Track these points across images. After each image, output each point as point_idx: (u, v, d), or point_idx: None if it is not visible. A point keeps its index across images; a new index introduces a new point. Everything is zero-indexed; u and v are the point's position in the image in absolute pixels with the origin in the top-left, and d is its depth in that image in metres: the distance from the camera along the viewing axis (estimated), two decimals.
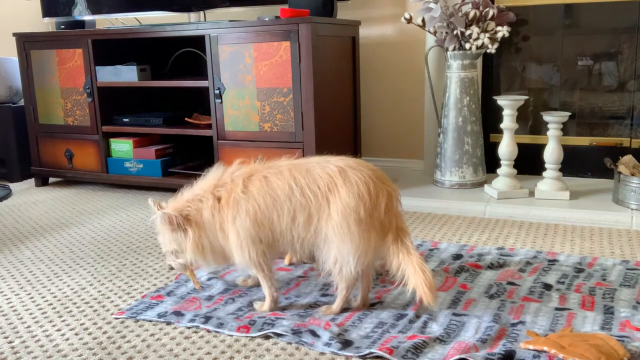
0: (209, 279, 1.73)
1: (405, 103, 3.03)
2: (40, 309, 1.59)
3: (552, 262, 1.78)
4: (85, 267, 1.91)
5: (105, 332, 1.44)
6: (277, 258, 1.66)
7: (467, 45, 2.52)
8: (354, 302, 1.50)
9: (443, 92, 2.68)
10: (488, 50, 2.52)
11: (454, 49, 2.56)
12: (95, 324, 1.49)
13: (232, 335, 1.39)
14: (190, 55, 3.15)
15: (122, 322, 1.49)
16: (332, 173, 1.39)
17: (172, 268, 1.57)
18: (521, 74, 2.82)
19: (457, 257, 1.86)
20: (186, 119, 2.92)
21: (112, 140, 2.96)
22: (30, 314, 1.56)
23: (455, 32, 2.53)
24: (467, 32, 2.50)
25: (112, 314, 1.54)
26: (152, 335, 1.41)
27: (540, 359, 1.21)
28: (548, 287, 1.60)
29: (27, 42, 3.02)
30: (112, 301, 1.62)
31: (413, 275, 1.32)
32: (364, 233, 1.35)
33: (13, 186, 3.19)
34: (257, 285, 1.65)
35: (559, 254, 1.86)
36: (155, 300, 1.60)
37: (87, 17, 3.16)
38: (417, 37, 2.93)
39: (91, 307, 1.59)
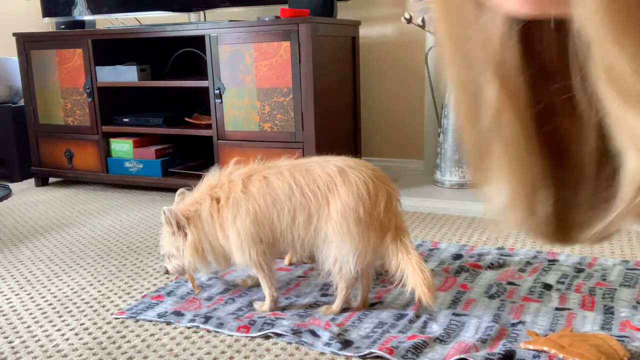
0: (209, 279, 1.73)
1: (405, 103, 3.03)
2: (40, 309, 1.59)
3: (552, 262, 1.78)
4: (85, 267, 1.91)
5: (105, 332, 1.44)
6: (277, 258, 1.66)
7: None
8: (354, 302, 1.50)
9: (443, 92, 2.68)
10: None
11: None
12: (95, 324, 1.49)
13: (232, 335, 1.39)
14: (190, 55, 3.15)
15: (122, 322, 1.49)
16: (332, 173, 1.39)
17: (167, 271, 1.58)
18: None
19: (457, 257, 1.86)
20: (186, 119, 2.92)
21: (112, 140, 2.96)
22: (30, 314, 1.56)
23: None
24: None
25: (112, 314, 1.54)
26: (152, 335, 1.41)
27: (540, 359, 1.21)
28: (548, 287, 1.60)
29: (27, 42, 3.02)
30: (112, 301, 1.62)
31: (412, 275, 1.32)
32: (364, 232, 1.35)
33: (13, 186, 3.19)
34: (257, 285, 1.65)
35: (559, 253, 1.86)
36: (155, 300, 1.60)
37: (87, 17, 3.16)
38: (417, 37, 2.93)
39: (91, 307, 1.59)
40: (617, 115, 0.31)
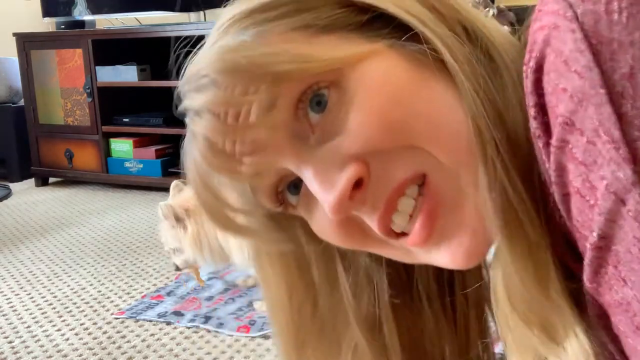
0: (209, 279, 1.72)
1: None
2: (40, 309, 1.59)
3: None
4: (85, 267, 1.90)
5: (105, 332, 1.44)
6: None
7: None
8: None
9: None
10: None
11: None
12: (95, 324, 1.49)
13: (232, 335, 1.39)
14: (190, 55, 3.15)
15: (122, 322, 1.49)
16: None
17: (177, 268, 1.57)
18: None
19: None
20: None
21: (112, 140, 2.95)
22: (30, 314, 1.56)
23: None
24: None
25: (112, 314, 1.54)
26: (152, 335, 1.41)
27: None
28: None
29: (27, 42, 3.02)
30: (112, 301, 1.62)
31: None
32: None
33: (13, 186, 3.18)
34: (257, 285, 1.65)
35: None
36: (155, 300, 1.60)
37: (87, 17, 3.16)
38: None
39: (91, 307, 1.59)
40: (511, 326, 0.41)
